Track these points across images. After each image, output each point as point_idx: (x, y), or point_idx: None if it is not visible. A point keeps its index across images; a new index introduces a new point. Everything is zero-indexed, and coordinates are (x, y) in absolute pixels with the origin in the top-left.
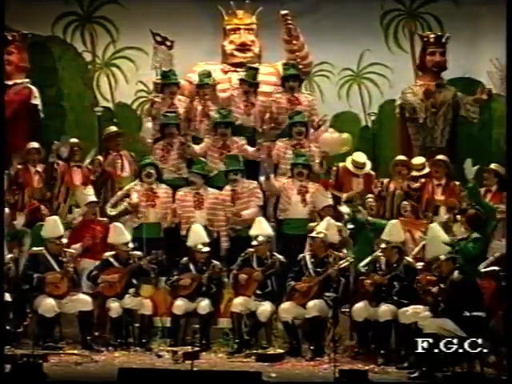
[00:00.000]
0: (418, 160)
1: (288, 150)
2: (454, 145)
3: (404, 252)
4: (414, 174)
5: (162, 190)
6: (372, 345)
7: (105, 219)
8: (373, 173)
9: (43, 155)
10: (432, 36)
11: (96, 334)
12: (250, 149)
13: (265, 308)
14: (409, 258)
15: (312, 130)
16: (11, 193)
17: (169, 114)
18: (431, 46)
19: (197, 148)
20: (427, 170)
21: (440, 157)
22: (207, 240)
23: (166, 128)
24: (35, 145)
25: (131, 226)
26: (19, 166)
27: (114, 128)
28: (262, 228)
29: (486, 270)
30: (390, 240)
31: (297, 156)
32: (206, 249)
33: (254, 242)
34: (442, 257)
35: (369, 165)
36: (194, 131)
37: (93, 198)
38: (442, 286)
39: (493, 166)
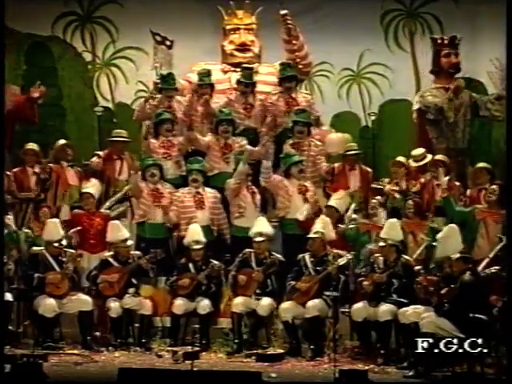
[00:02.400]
0: (418, 151)
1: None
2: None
3: (402, 251)
4: (414, 164)
5: (168, 190)
6: (372, 345)
7: (105, 211)
8: (369, 170)
9: (41, 156)
10: (446, 38)
11: (96, 333)
12: (255, 148)
13: (264, 303)
14: (406, 257)
15: (315, 129)
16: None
17: (163, 112)
18: (445, 47)
19: (204, 139)
20: (428, 159)
21: (438, 157)
22: (202, 238)
23: (162, 125)
24: (33, 146)
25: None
26: (16, 169)
27: (123, 133)
28: (263, 226)
29: (485, 271)
30: (389, 238)
31: (294, 154)
32: (199, 246)
33: (257, 239)
34: (454, 256)
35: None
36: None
37: (87, 190)
38: (451, 285)
39: (482, 164)
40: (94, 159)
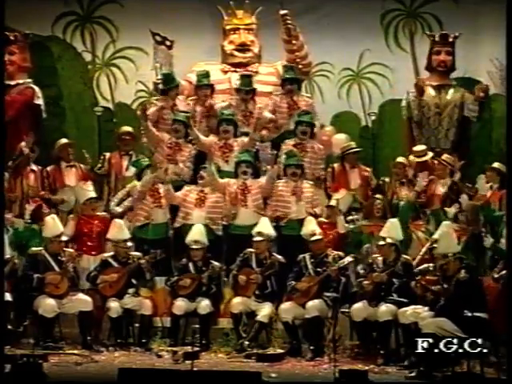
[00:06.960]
0: (420, 147)
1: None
2: (460, 145)
3: (401, 251)
4: (415, 160)
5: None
6: (372, 345)
7: (104, 214)
8: (368, 169)
9: (38, 154)
10: (437, 35)
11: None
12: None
13: (265, 313)
14: (406, 256)
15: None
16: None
17: (178, 113)
18: (436, 44)
19: (205, 139)
20: (429, 156)
21: (442, 157)
22: (202, 239)
23: (174, 123)
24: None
25: (135, 224)
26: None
27: (128, 128)
28: (265, 226)
29: (500, 274)
30: (389, 237)
31: (289, 157)
32: (197, 246)
33: (256, 238)
34: (451, 255)
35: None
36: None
37: (92, 194)
38: (445, 285)
39: (496, 164)
40: (101, 163)
